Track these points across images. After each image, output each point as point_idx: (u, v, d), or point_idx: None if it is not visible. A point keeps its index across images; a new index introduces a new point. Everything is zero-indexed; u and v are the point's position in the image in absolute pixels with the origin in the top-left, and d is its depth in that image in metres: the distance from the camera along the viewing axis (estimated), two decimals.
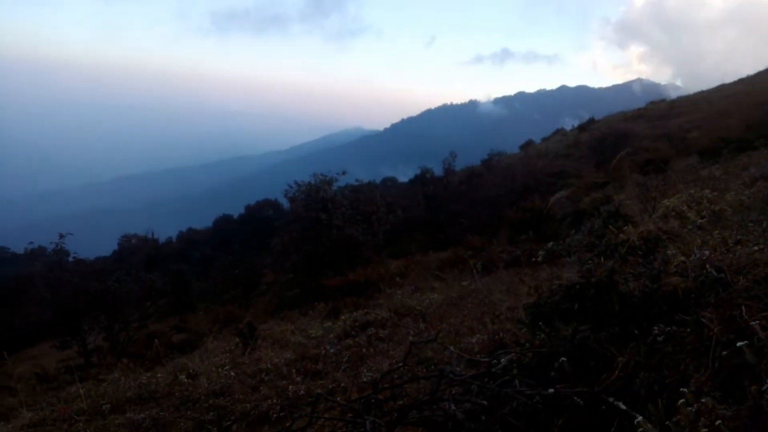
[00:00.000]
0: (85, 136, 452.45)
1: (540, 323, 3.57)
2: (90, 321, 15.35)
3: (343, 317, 7.86)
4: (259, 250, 27.78)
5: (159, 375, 6.35)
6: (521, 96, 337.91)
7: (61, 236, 14.78)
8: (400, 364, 3.54)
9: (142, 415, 4.94)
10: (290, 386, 4.91)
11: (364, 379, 4.59)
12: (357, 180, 19.07)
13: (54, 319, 15.28)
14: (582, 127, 34.17)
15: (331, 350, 5.91)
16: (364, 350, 5.64)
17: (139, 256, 46.00)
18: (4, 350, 9.53)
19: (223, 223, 49.72)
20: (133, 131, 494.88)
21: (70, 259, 15.63)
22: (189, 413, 4.78)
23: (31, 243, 16.78)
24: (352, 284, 13.63)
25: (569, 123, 51.43)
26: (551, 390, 2.77)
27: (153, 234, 52.54)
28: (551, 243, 7.65)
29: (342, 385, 4.65)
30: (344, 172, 18.19)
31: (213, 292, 22.23)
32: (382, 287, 10.43)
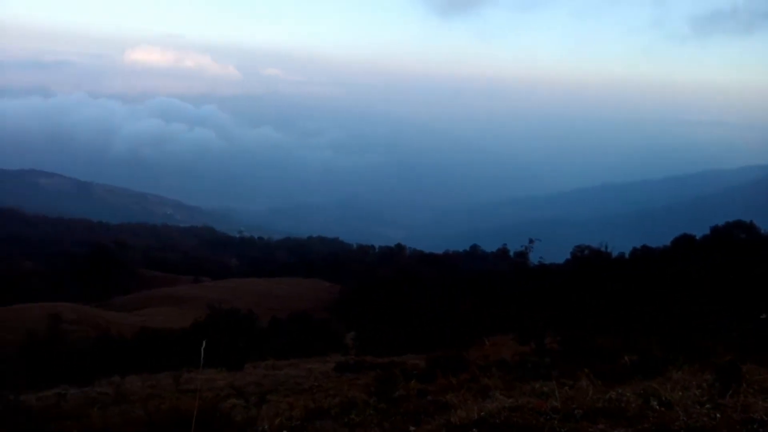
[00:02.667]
0: (551, 148, 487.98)
1: None
2: (548, 322, 16.40)
3: None
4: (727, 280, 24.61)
5: (628, 394, 6.22)
6: None
7: (531, 241, 16.18)
8: None
9: (616, 431, 4.91)
10: None
11: None
12: None
13: (517, 314, 16.85)
14: None
15: None
16: None
17: (592, 269, 46.93)
18: (483, 335, 10.97)
19: (683, 244, 46.03)
20: (595, 143, 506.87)
21: (535, 262, 16.97)
22: None
23: (504, 244, 18.81)
24: None
25: None
26: None
27: (606, 247, 52.74)
28: None
29: None
30: None
31: (671, 316, 20.74)
32: None
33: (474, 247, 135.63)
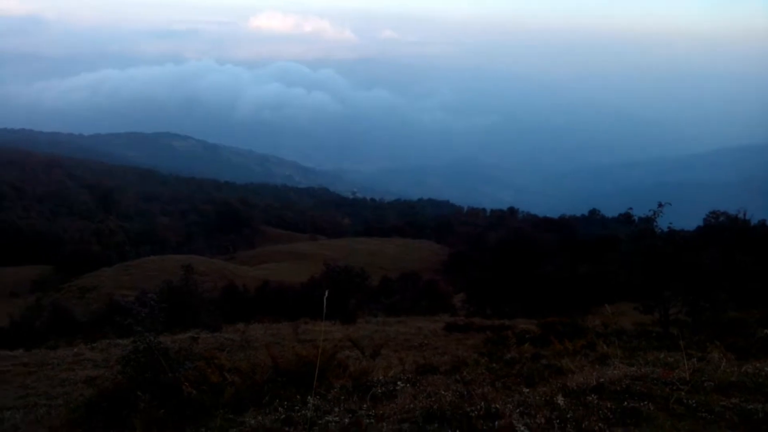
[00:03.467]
0: (686, 106, 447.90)
1: None
2: (675, 292, 15.36)
3: None
4: None
5: (767, 369, 5.69)
6: None
7: (660, 205, 15.10)
8: None
9: (752, 406, 4.51)
10: None
11: None
12: None
13: (640, 283, 15.92)
14: None
15: None
16: None
17: (725, 236, 43.21)
18: (603, 302, 10.49)
19: None
20: (738, 100, 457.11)
21: (663, 229, 15.82)
22: None
23: (629, 209, 17.68)
24: None
25: None
26: None
27: (744, 214, 48.20)
28: None
29: None
30: None
31: None
32: None
33: (593, 212, 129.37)
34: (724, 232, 40.99)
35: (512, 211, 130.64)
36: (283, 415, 5.21)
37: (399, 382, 6.29)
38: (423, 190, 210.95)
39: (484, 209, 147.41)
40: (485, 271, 45.36)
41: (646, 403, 4.81)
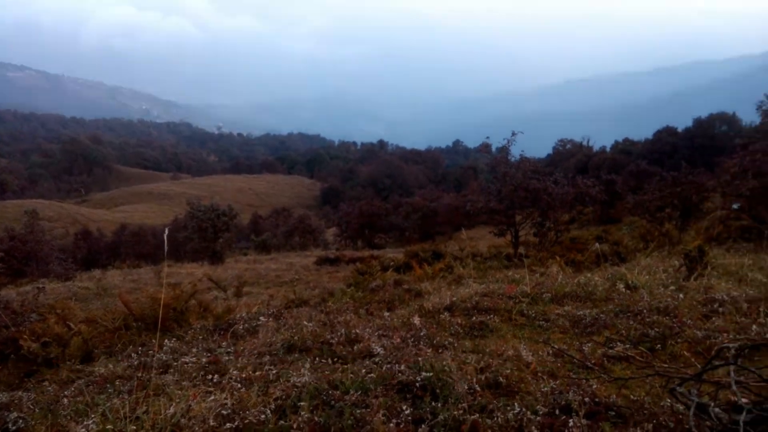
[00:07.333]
0: (546, 40, 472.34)
1: None
2: (525, 215, 16.58)
3: None
4: (705, 170, 24.94)
5: (597, 278, 6.35)
6: None
7: (513, 134, 15.99)
8: None
9: (582, 312, 5.02)
10: (753, 325, 4.21)
11: None
12: None
13: (495, 209, 16.94)
14: None
15: None
16: None
17: (571, 162, 47.25)
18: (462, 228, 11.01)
19: (664, 135, 45.94)
20: (588, 34, 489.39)
21: (516, 157, 16.83)
22: (631, 323, 4.61)
23: (487, 138, 18.56)
24: None
25: None
26: None
27: (588, 141, 52.91)
28: None
29: None
30: None
31: (644, 208, 21.15)
32: None
33: (456, 143, 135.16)
34: (570, 158, 44.64)
35: (382, 144, 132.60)
36: (137, 361, 4.97)
37: (262, 318, 6.23)
38: (293, 124, 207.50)
39: (354, 143, 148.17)
40: (356, 204, 46.00)
41: (492, 316, 5.19)
